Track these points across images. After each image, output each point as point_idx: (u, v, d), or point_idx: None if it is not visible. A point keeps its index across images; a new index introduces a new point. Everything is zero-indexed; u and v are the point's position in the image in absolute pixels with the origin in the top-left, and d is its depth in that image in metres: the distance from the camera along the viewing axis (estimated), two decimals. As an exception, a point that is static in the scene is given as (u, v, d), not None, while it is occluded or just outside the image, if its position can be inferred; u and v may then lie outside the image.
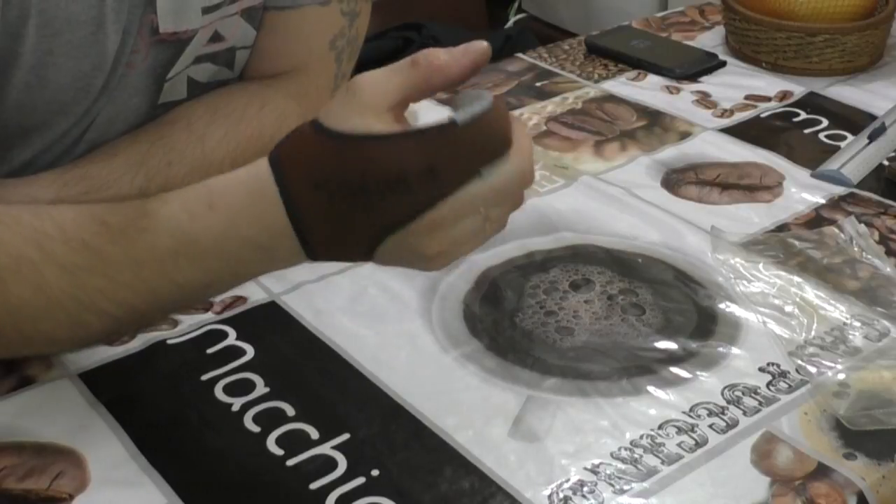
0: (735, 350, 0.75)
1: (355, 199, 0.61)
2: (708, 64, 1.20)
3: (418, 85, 0.64)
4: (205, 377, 0.72)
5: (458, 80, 0.63)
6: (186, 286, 0.64)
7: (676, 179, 0.97)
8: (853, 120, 1.08)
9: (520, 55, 1.25)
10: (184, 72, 0.89)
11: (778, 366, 0.73)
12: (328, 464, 0.65)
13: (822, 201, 0.94)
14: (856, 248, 0.86)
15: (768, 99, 1.13)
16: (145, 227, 0.63)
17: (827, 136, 1.06)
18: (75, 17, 0.78)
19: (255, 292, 0.80)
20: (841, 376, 0.72)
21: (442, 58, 0.62)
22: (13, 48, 0.77)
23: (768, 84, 1.17)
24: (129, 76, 0.86)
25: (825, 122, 1.08)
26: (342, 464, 0.65)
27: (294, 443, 0.66)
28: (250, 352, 0.74)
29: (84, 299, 0.63)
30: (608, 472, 0.64)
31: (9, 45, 0.77)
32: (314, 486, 0.63)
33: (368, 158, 0.60)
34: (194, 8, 0.85)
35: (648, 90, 1.15)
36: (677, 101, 1.12)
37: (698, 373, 0.73)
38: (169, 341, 0.75)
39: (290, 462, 0.65)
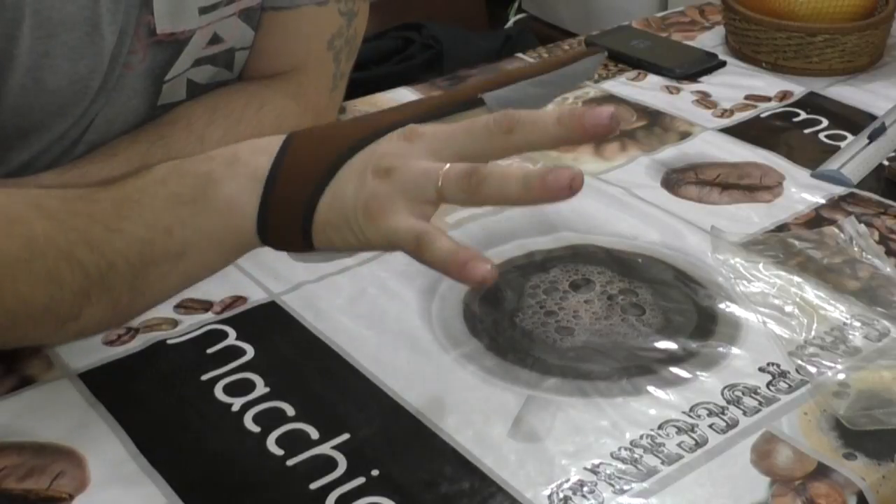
0: (735, 350, 0.75)
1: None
2: (708, 64, 1.20)
3: None
4: (205, 377, 0.72)
5: None
6: (153, 224, 0.64)
7: (676, 179, 0.97)
8: (853, 120, 1.08)
9: (520, 55, 1.25)
10: (183, 74, 0.89)
11: (778, 366, 0.73)
12: (328, 464, 0.65)
13: (822, 201, 0.94)
14: (856, 248, 0.86)
15: (768, 99, 1.13)
16: (143, 173, 0.65)
17: (827, 136, 1.06)
18: (70, 19, 0.78)
19: (255, 292, 0.80)
20: (841, 376, 0.72)
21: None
22: (8, 50, 0.77)
23: (768, 84, 1.17)
24: (127, 77, 0.86)
25: (825, 122, 1.08)
26: (342, 464, 0.65)
27: (294, 443, 0.66)
28: (250, 352, 0.74)
29: (63, 244, 0.62)
30: (608, 472, 0.64)
31: (4, 48, 0.77)
32: (314, 486, 0.63)
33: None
34: (191, 8, 0.85)
35: (648, 90, 1.15)
36: (677, 101, 1.12)
37: (698, 373, 0.73)
38: (169, 341, 0.75)
39: (290, 462, 0.65)
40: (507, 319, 0.78)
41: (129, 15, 0.82)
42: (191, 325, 0.77)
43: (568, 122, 0.59)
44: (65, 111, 0.83)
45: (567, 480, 0.64)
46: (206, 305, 0.78)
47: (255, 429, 0.67)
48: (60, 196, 0.65)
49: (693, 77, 1.18)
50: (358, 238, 0.61)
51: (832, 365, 0.73)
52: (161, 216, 0.63)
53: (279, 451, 0.66)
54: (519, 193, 0.58)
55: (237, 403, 0.70)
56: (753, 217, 0.91)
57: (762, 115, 1.10)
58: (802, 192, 0.95)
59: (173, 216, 0.63)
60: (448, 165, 0.59)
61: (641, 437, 0.67)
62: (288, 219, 0.62)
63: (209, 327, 0.76)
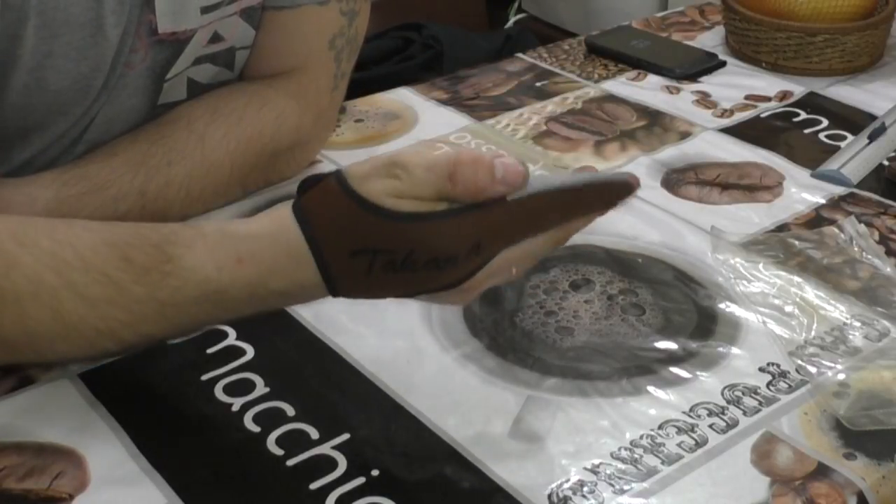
0: (735, 350, 0.75)
1: (396, 273, 0.61)
2: (708, 64, 1.20)
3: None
4: (205, 377, 0.72)
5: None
6: (210, 322, 0.67)
7: (676, 179, 0.97)
8: (853, 120, 1.08)
9: (520, 55, 1.25)
10: (184, 73, 0.89)
11: (778, 366, 0.73)
12: (328, 464, 0.65)
13: (822, 201, 0.94)
14: (856, 249, 0.86)
15: (768, 99, 1.13)
16: (170, 272, 0.63)
17: (827, 136, 1.06)
18: (74, 19, 0.78)
19: (255, 292, 0.80)
20: (841, 376, 0.72)
21: (480, 182, 0.61)
22: (12, 50, 0.77)
23: (768, 84, 1.17)
24: (129, 76, 0.85)
25: (825, 122, 1.08)
26: (342, 464, 0.65)
27: (294, 443, 0.66)
28: (250, 352, 0.74)
29: (103, 329, 0.64)
30: (608, 472, 0.64)
31: (8, 48, 0.76)
32: (314, 486, 0.63)
33: (418, 239, 0.60)
34: (193, 8, 0.85)
35: (648, 90, 1.15)
36: (677, 101, 1.12)
37: (698, 373, 0.73)
38: (169, 341, 0.75)
39: (290, 462, 0.65)
40: (508, 319, 0.78)
41: (133, 15, 0.81)
42: (191, 325, 0.76)
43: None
44: (66, 110, 0.83)
45: (567, 480, 0.64)
46: (206, 305, 0.78)
47: (255, 429, 0.67)
48: (82, 270, 0.63)
49: (693, 77, 1.18)
50: None
51: (832, 365, 0.73)
52: (219, 320, 0.67)
53: (279, 451, 0.66)
54: None
55: (237, 403, 0.69)
56: (753, 217, 0.91)
57: (762, 115, 1.10)
58: (802, 192, 0.95)
59: (233, 319, 0.68)
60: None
61: (641, 437, 0.67)
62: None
63: (209, 327, 0.76)
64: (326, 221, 0.62)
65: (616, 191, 0.63)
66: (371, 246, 0.60)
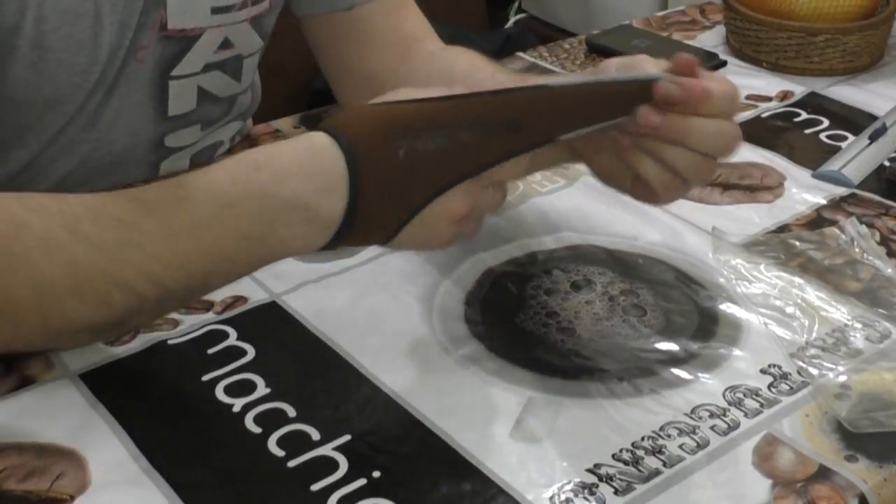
0: (736, 351, 0.75)
1: (427, 146, 0.62)
2: (709, 64, 1.20)
3: None
4: (205, 378, 0.72)
5: None
6: (216, 257, 0.64)
7: (677, 180, 0.97)
8: (854, 120, 1.08)
9: (520, 54, 1.25)
10: (193, 79, 0.89)
11: (779, 367, 0.73)
12: (329, 465, 0.65)
13: (823, 202, 0.94)
14: (857, 250, 0.86)
15: (769, 99, 1.13)
16: (184, 197, 0.63)
17: (828, 137, 1.05)
18: (73, 10, 0.78)
19: (255, 292, 0.80)
20: (842, 378, 0.72)
21: None
22: (11, 42, 0.77)
23: (769, 84, 1.16)
24: (139, 73, 0.86)
25: (826, 123, 1.08)
26: (343, 465, 0.65)
27: (295, 444, 0.66)
28: (251, 352, 0.74)
29: (114, 273, 0.62)
30: (609, 473, 0.64)
31: (7, 39, 0.76)
32: (315, 487, 0.63)
33: (454, 105, 0.63)
34: (204, 7, 0.85)
35: (649, 90, 1.15)
36: (678, 101, 1.12)
37: (699, 374, 0.73)
38: (169, 341, 0.75)
39: (291, 463, 0.65)
40: (509, 320, 0.78)
41: (132, 8, 0.82)
42: (191, 325, 0.76)
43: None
44: (62, 106, 0.83)
45: (568, 482, 0.64)
46: (206, 305, 0.78)
47: (257, 430, 0.67)
48: (93, 219, 0.63)
49: (694, 77, 1.18)
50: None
51: (833, 367, 0.73)
52: (226, 249, 0.64)
53: (280, 453, 0.66)
54: None
55: (238, 404, 0.69)
56: (754, 217, 0.91)
57: (763, 115, 1.10)
58: (803, 192, 0.95)
59: (239, 249, 0.64)
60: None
61: (643, 438, 0.67)
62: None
63: (210, 327, 0.76)
64: (357, 121, 0.64)
65: (643, 89, 0.66)
66: (403, 123, 0.63)
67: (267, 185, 0.62)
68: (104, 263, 0.62)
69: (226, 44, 0.89)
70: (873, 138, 1.01)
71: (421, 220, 0.64)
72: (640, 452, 0.66)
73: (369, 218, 0.63)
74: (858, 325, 0.77)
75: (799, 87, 1.15)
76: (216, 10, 0.86)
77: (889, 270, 0.83)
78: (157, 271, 0.63)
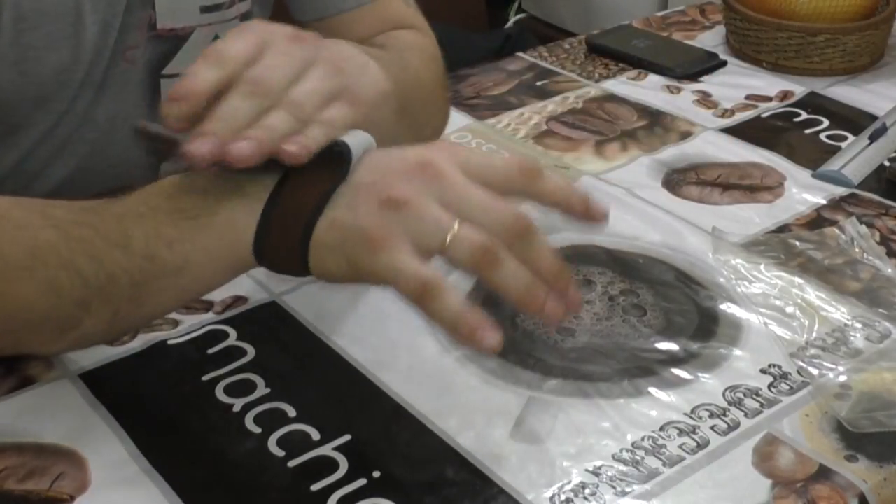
0: (736, 351, 0.75)
1: None
2: (709, 63, 1.20)
3: None
4: (205, 378, 0.72)
5: None
6: (151, 255, 0.63)
7: (677, 180, 0.97)
8: (854, 120, 1.08)
9: (520, 54, 1.24)
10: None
11: (779, 367, 0.73)
12: (329, 465, 0.65)
13: (823, 202, 0.94)
14: (857, 249, 0.86)
15: (769, 99, 1.13)
16: (144, 188, 0.64)
17: (828, 137, 1.05)
18: (52, 9, 0.78)
19: (255, 292, 0.80)
20: (842, 378, 0.72)
21: None
22: None
23: (769, 84, 1.16)
24: (131, 73, 0.86)
25: (826, 123, 1.08)
26: (343, 465, 0.65)
27: (295, 444, 0.66)
28: (251, 352, 0.74)
29: (66, 253, 0.62)
30: (609, 473, 0.64)
31: None
32: (315, 487, 0.63)
33: None
34: (193, 6, 0.86)
35: (649, 90, 1.15)
36: (678, 101, 1.12)
37: (699, 374, 0.73)
38: (169, 341, 0.75)
39: (292, 463, 0.65)
40: (509, 320, 0.78)
41: (114, 7, 0.82)
42: (191, 325, 0.76)
43: (576, 201, 0.62)
44: (48, 105, 0.83)
45: (568, 482, 0.64)
46: (206, 305, 0.78)
47: (257, 430, 0.67)
48: (66, 206, 0.64)
49: (694, 77, 1.18)
50: (352, 266, 0.60)
51: (833, 366, 0.73)
52: (164, 230, 0.62)
53: (280, 453, 0.66)
54: (519, 296, 0.58)
55: (238, 404, 0.69)
56: (754, 217, 0.91)
57: (763, 115, 1.10)
58: (803, 192, 0.95)
59: (176, 230, 0.62)
60: (459, 226, 0.58)
61: (643, 438, 0.67)
62: (286, 239, 0.61)
63: (210, 327, 0.76)
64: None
65: None
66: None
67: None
68: (58, 242, 0.62)
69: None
70: (873, 138, 1.01)
71: (347, 194, 0.61)
72: (640, 452, 0.66)
73: (295, 187, 0.62)
74: (858, 325, 0.77)
75: (799, 87, 1.15)
76: (205, 9, 0.86)
77: (889, 270, 0.83)
78: (101, 248, 0.62)
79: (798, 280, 0.82)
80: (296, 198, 0.61)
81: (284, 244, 0.61)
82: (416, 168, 0.60)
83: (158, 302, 0.65)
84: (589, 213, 0.62)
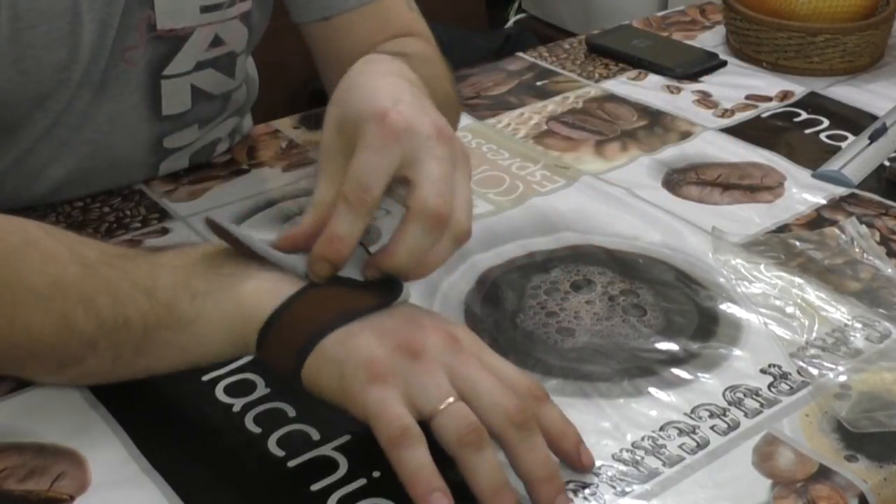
0: (736, 351, 0.75)
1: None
2: (709, 63, 1.20)
3: None
4: (206, 377, 0.71)
5: None
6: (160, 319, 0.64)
7: (677, 179, 0.97)
8: (854, 120, 1.08)
9: (520, 54, 1.25)
10: (186, 77, 0.89)
11: (779, 367, 0.73)
12: (329, 465, 0.65)
13: (823, 202, 0.94)
14: (857, 249, 0.86)
15: (769, 99, 1.13)
16: (185, 247, 0.66)
17: (828, 137, 1.06)
18: (49, 9, 0.78)
19: (255, 292, 0.80)
20: (842, 378, 0.72)
21: None
22: None
23: (769, 84, 1.17)
24: (131, 73, 0.86)
25: (826, 123, 1.08)
26: (343, 465, 0.65)
27: (295, 444, 0.66)
28: (251, 352, 0.74)
29: (87, 288, 0.63)
30: (609, 473, 0.64)
31: None
32: (315, 487, 0.63)
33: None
34: (192, 6, 0.86)
35: (649, 90, 1.15)
36: (678, 101, 1.12)
37: (699, 374, 0.73)
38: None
39: (291, 463, 0.65)
40: (509, 320, 0.78)
41: (112, 7, 0.82)
42: (191, 325, 0.76)
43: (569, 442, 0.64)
44: (48, 102, 0.83)
45: (568, 482, 0.64)
46: (206, 306, 0.78)
47: (256, 430, 0.67)
48: (100, 248, 0.66)
49: (694, 77, 1.18)
50: (343, 386, 0.60)
51: (833, 366, 0.73)
52: (193, 282, 0.64)
53: (280, 453, 0.66)
54: (484, 491, 0.59)
55: (238, 404, 0.69)
56: (754, 217, 0.91)
57: (763, 115, 1.10)
58: (803, 192, 0.95)
59: (205, 283, 0.64)
60: (453, 401, 0.60)
61: (643, 438, 0.67)
62: (295, 331, 0.62)
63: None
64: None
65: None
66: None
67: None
68: (83, 279, 0.63)
69: (217, 41, 0.89)
70: (873, 138, 1.02)
71: (367, 324, 0.63)
72: (640, 452, 0.66)
73: (320, 295, 0.64)
74: (858, 325, 0.77)
75: (799, 87, 1.15)
76: (205, 9, 0.86)
77: (889, 270, 0.83)
78: (126, 291, 0.63)
79: (798, 280, 0.82)
80: (327, 296, 0.63)
81: (291, 334, 0.62)
82: (443, 334, 0.62)
83: (158, 356, 0.65)
84: (578, 458, 0.63)
